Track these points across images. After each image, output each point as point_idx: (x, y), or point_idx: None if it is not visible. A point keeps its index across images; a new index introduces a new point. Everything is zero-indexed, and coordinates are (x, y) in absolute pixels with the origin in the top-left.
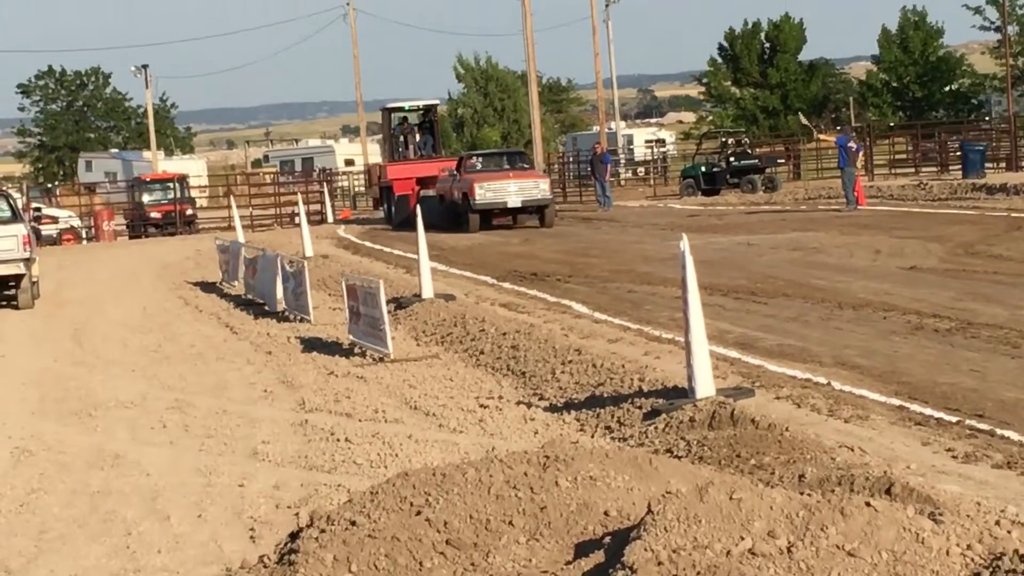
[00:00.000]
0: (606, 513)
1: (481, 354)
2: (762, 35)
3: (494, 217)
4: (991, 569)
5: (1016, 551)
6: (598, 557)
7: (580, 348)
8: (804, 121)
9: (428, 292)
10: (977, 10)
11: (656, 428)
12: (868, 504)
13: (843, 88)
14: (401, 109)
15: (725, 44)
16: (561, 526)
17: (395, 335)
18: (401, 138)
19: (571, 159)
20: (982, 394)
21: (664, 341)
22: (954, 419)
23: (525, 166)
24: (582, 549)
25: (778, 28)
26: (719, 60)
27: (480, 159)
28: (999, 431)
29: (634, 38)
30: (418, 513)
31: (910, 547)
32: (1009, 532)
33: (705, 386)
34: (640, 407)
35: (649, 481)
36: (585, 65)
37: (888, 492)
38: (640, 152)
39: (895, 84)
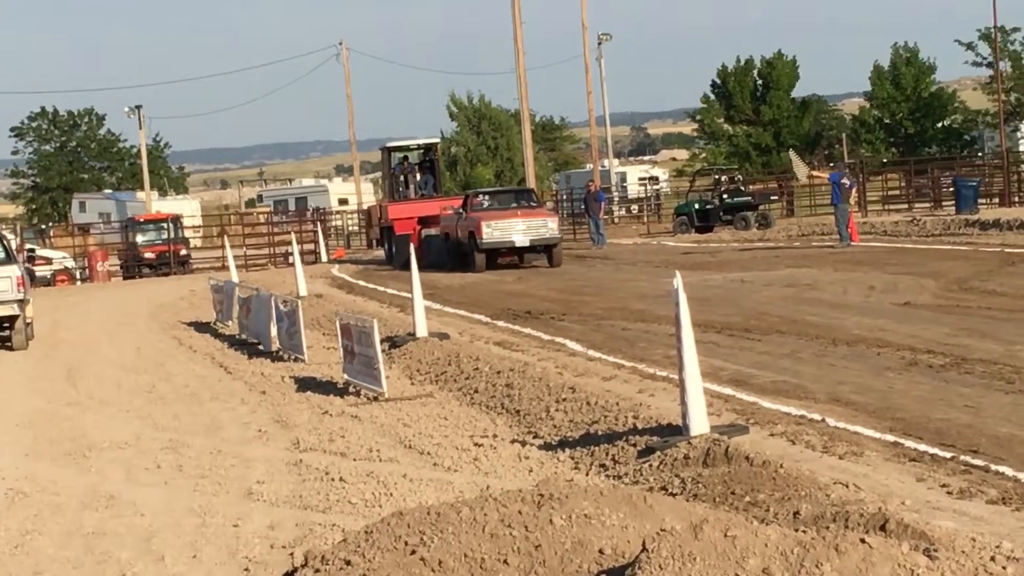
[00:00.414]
0: (601, 551)
1: (475, 392)
2: (755, 72)
3: (501, 256)
4: None
5: None
6: None
7: (574, 386)
8: (793, 159)
9: (422, 331)
10: (969, 46)
11: (651, 466)
12: (863, 541)
13: (836, 124)
14: (401, 148)
15: (718, 81)
16: (556, 564)
17: (389, 374)
18: (401, 177)
19: (564, 197)
20: (977, 430)
21: (658, 378)
22: (949, 455)
23: (533, 204)
24: None
25: (771, 65)
26: (712, 97)
27: (487, 197)
28: (994, 467)
29: (627, 76)
30: (413, 552)
31: None
32: (1004, 568)
33: (699, 423)
34: (635, 444)
35: (644, 519)
36: (578, 103)
37: (883, 528)
38: (633, 190)
39: (887, 120)
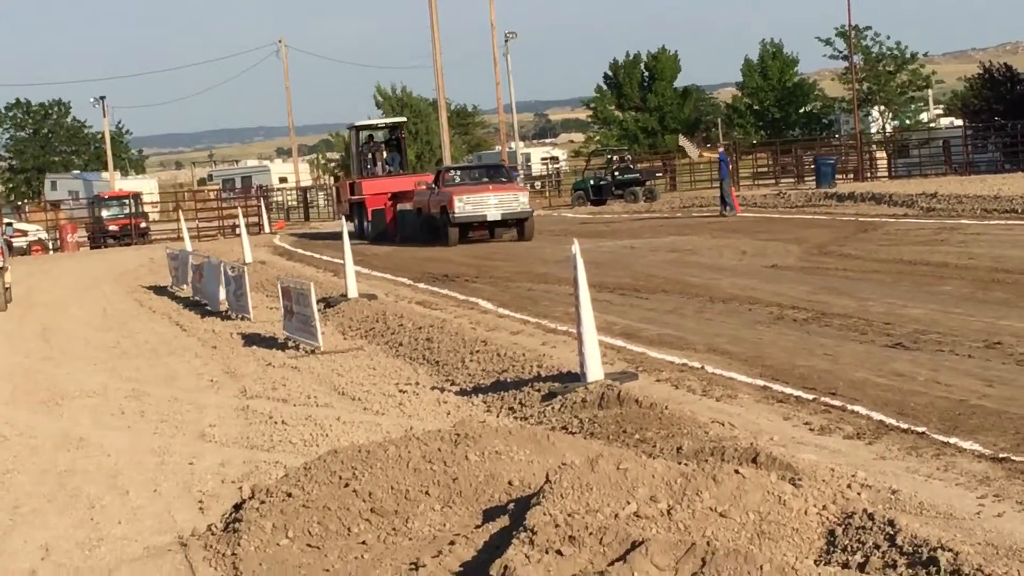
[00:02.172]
0: (510, 483)
1: (400, 346)
2: (642, 65)
3: (473, 231)
4: (843, 526)
5: (864, 510)
6: (503, 521)
7: (486, 340)
8: (683, 143)
9: (353, 292)
10: (827, 41)
11: (553, 408)
12: (737, 471)
13: (712, 110)
14: (369, 127)
15: (610, 73)
16: (471, 495)
17: (324, 330)
18: (369, 155)
19: None
20: (835, 374)
21: (559, 332)
22: (811, 397)
23: (504, 179)
24: (489, 514)
25: (656, 59)
26: (605, 87)
27: (459, 172)
28: (850, 406)
29: (530, 68)
30: (346, 485)
31: (773, 508)
32: (859, 494)
33: (595, 371)
34: (539, 390)
35: (547, 454)
36: (488, 92)
37: (754, 461)
38: (537, 168)
39: (757, 107)
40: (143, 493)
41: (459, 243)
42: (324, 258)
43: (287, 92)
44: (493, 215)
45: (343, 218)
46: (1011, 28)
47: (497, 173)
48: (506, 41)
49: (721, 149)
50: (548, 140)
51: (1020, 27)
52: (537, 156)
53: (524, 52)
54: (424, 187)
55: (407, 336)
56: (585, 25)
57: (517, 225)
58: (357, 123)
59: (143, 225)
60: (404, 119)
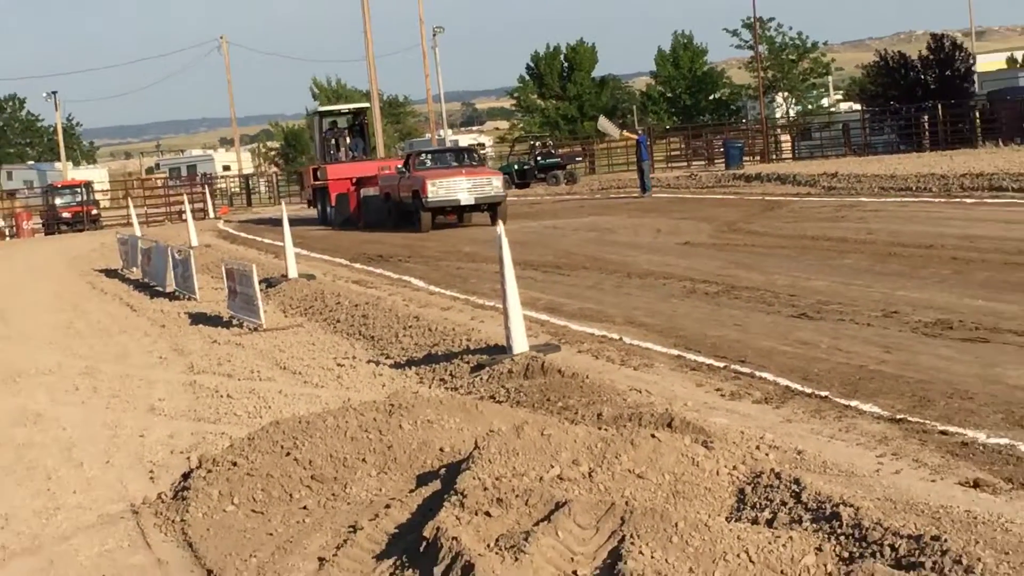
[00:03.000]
0: (441, 449)
1: (337, 322)
2: (562, 57)
3: (446, 215)
4: (752, 485)
5: (772, 470)
6: (435, 485)
7: (418, 315)
8: (604, 124)
9: (293, 273)
10: (734, 32)
11: (481, 379)
12: (653, 435)
13: (628, 98)
14: (331, 112)
15: (532, 64)
16: (405, 461)
17: (266, 309)
18: (332, 141)
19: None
20: (744, 344)
21: (487, 308)
22: (722, 364)
23: (475, 163)
24: (422, 479)
25: (575, 50)
26: (527, 77)
27: (430, 156)
28: (758, 373)
29: (458, 60)
30: (287, 454)
31: (687, 469)
32: (767, 455)
33: (520, 344)
34: (468, 362)
35: (476, 422)
36: (417, 83)
37: (669, 425)
38: None
39: (669, 94)
40: (97, 464)
41: (432, 228)
42: (266, 241)
43: (229, 86)
44: (466, 199)
45: (307, 204)
46: (905, 18)
47: (467, 157)
48: (434, 35)
49: (641, 132)
50: (475, 128)
51: (914, 17)
52: (464, 143)
53: (452, 45)
54: (390, 172)
55: (344, 313)
56: (509, 19)
57: (490, 209)
58: (320, 108)
59: (94, 212)
60: (367, 105)
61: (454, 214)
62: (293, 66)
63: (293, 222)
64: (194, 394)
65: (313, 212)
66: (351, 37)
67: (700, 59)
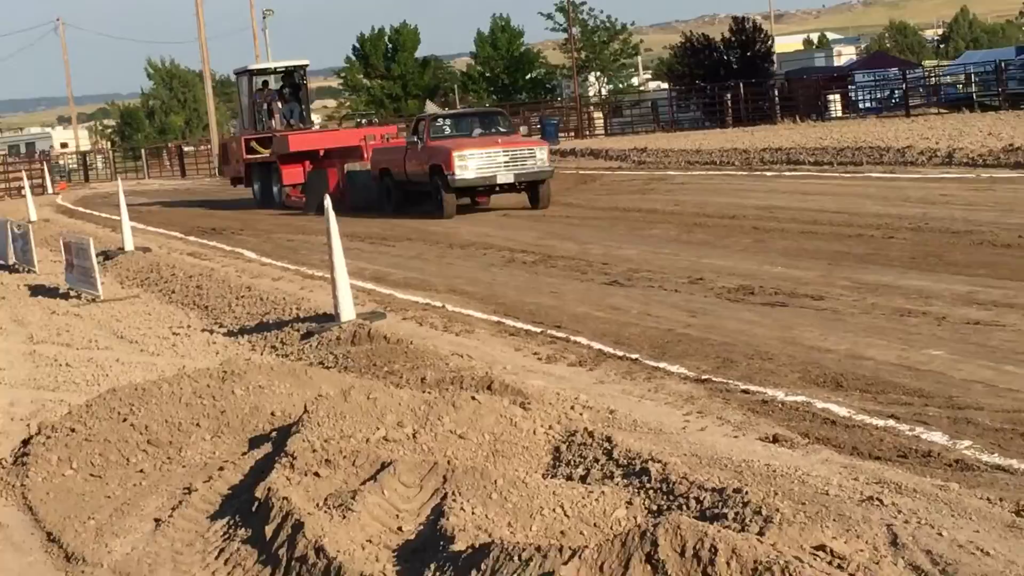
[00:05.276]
0: (273, 413)
1: (173, 293)
2: (386, 38)
3: (475, 198)
4: (567, 443)
5: (585, 428)
6: (267, 448)
7: (250, 286)
8: (430, 107)
9: (129, 246)
10: (549, 16)
11: (311, 346)
12: (474, 398)
13: (449, 78)
14: (261, 71)
15: (358, 45)
16: (238, 425)
17: (104, 280)
18: (264, 106)
19: None
20: (560, 310)
21: (316, 278)
22: (539, 330)
23: (503, 129)
24: (255, 442)
25: (399, 32)
26: (353, 58)
27: (448, 122)
28: (573, 338)
29: (287, 41)
30: (124, 420)
31: (506, 429)
32: (581, 415)
33: (348, 312)
34: (298, 330)
35: (305, 387)
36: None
37: (489, 388)
38: None
39: (488, 74)
40: None
41: (456, 214)
42: (103, 215)
43: (66, 66)
44: (505, 177)
45: (232, 182)
46: (709, 2)
47: (497, 122)
48: (264, 18)
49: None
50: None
51: (717, 1)
52: None
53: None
54: (386, 141)
55: (179, 284)
56: (337, 1)
57: (530, 189)
58: (249, 67)
59: None
60: (306, 62)
61: (486, 195)
62: (130, 47)
63: (213, 205)
64: (34, 363)
65: (238, 191)
66: (186, 20)
67: (517, 41)
